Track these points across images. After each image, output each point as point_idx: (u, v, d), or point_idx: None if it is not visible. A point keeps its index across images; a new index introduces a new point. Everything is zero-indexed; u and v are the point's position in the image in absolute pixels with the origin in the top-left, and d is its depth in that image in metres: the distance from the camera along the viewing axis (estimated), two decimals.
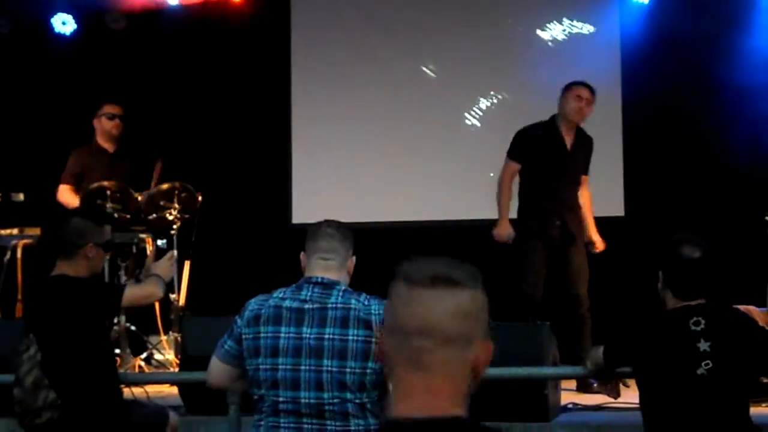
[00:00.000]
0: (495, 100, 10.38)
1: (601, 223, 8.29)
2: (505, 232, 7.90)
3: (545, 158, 7.91)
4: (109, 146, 8.76)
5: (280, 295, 4.36)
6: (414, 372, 2.12)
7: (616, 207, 9.71)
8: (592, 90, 7.96)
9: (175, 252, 6.05)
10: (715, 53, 9.34)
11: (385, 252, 10.07)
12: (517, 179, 8.02)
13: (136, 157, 8.83)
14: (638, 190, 9.87)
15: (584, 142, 8.12)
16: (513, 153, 7.99)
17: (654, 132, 9.78)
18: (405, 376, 2.13)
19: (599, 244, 8.09)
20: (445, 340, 2.12)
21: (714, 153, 9.49)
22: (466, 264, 2.22)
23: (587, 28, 10.24)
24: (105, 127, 8.73)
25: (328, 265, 4.41)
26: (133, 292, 5.39)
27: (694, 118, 9.61)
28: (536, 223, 7.85)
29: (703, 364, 4.39)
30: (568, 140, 7.96)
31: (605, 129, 9.83)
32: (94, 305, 5.26)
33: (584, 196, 8.17)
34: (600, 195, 9.06)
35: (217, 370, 4.52)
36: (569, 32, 10.28)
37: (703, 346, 4.40)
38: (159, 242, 5.81)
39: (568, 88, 7.96)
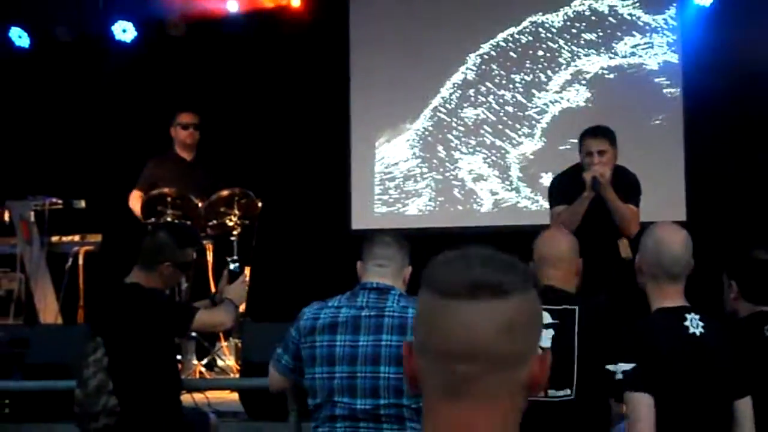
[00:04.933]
0: (556, 101, 10.32)
1: None
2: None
3: (574, 198, 6.92)
4: (186, 155, 8.73)
5: (336, 304, 4.36)
6: (453, 402, 1.74)
7: (678, 211, 9.61)
8: (605, 133, 6.90)
9: (247, 275, 6.06)
10: None
11: None
12: None
13: (212, 168, 8.80)
14: (700, 194, 9.77)
15: (613, 179, 6.85)
16: (551, 203, 7.21)
17: (716, 135, 9.68)
18: (441, 406, 1.77)
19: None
20: (494, 364, 1.72)
21: None
22: (510, 258, 1.80)
23: (648, 32, 10.16)
24: (179, 136, 8.71)
25: (383, 272, 4.41)
26: (204, 319, 5.39)
27: (756, 121, 9.51)
28: None
29: None
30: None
31: (667, 133, 9.78)
32: (165, 321, 5.27)
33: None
34: (662, 199, 8.98)
35: (276, 380, 4.65)
36: (631, 38, 10.20)
37: None
38: (231, 266, 5.82)
39: (580, 138, 7.00)
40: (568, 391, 4.33)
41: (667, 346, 3.92)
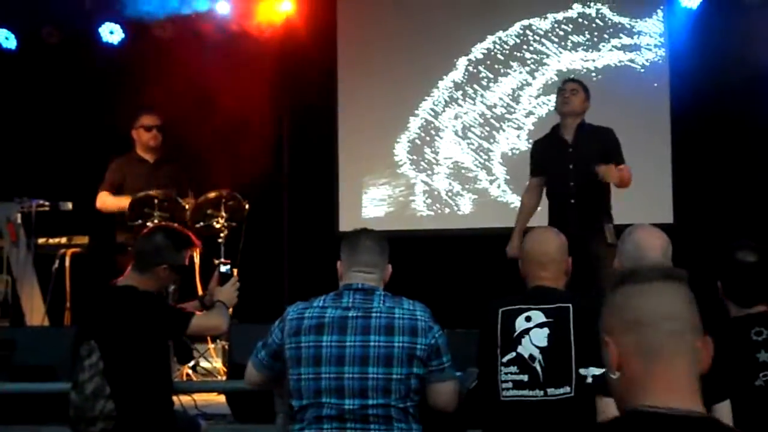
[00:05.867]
0: (543, 103, 10.34)
1: None
2: (511, 250, 7.38)
3: (551, 158, 7.63)
4: (149, 156, 8.69)
5: (320, 304, 4.33)
6: (652, 360, 2.27)
7: (665, 214, 9.64)
8: (579, 81, 7.74)
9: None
10: (765, 58, 9.24)
11: (432, 260, 10.11)
12: None
13: (178, 166, 8.78)
14: (687, 197, 9.79)
15: (591, 135, 7.56)
16: (530, 171, 7.82)
17: (703, 138, 9.70)
18: (640, 364, 2.28)
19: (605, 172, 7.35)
20: (691, 327, 2.30)
21: (763, 159, 9.39)
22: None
23: (635, 35, 10.18)
24: (142, 138, 8.67)
25: (368, 278, 4.39)
26: (199, 323, 5.34)
27: (743, 124, 9.52)
28: (553, 223, 7.39)
29: (761, 375, 4.29)
30: (569, 137, 7.55)
31: (654, 136, 9.80)
32: (162, 324, 5.24)
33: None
34: (649, 202, 9.00)
35: (252, 375, 4.64)
36: (618, 40, 10.21)
37: (763, 356, 4.30)
38: (222, 267, 5.82)
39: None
40: (568, 389, 4.32)
41: None
